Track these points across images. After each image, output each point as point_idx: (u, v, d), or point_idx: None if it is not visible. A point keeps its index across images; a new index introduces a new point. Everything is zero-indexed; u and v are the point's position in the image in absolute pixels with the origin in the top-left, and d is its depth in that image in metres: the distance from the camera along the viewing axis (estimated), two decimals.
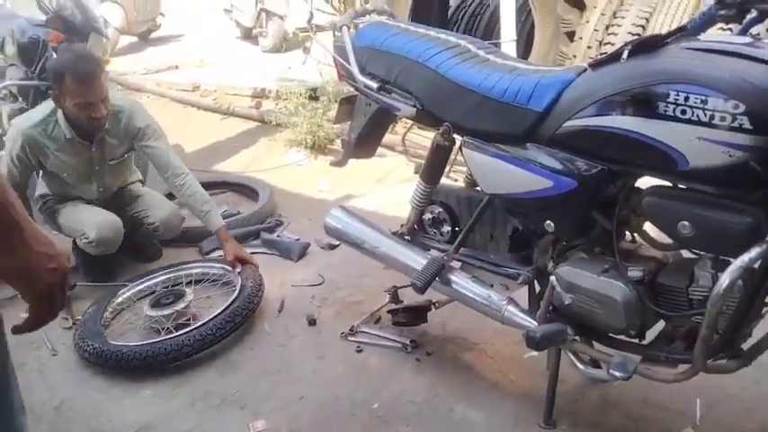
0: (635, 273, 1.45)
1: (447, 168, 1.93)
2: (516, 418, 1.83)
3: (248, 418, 1.93)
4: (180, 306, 2.36)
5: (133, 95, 5.72)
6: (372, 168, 3.46)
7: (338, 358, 2.16)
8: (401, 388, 1.99)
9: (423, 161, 1.94)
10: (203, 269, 2.68)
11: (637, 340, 1.54)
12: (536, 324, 1.64)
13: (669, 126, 1.27)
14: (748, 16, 1.38)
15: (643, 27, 3.86)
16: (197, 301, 2.49)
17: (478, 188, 1.82)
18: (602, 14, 3.98)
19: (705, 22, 1.43)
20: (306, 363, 2.16)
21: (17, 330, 0.98)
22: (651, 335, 1.55)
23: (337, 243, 2.28)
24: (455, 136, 1.79)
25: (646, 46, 1.37)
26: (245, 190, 3.65)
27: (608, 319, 1.50)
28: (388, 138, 2.52)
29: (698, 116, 1.23)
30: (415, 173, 2.01)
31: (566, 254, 1.63)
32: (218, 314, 2.26)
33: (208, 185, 3.54)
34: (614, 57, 1.41)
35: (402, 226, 2.09)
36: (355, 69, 1.93)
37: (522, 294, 1.79)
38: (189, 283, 2.59)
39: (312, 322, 2.36)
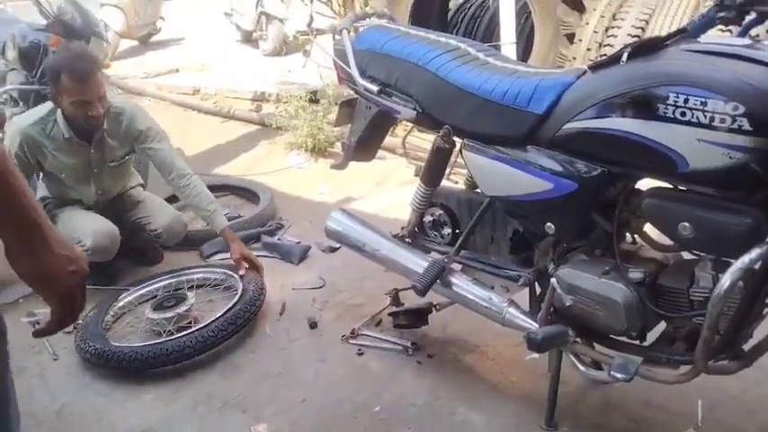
0: (636, 274, 1.45)
1: (447, 171, 1.93)
2: (518, 420, 1.83)
3: (250, 422, 1.93)
4: (181, 309, 2.37)
5: (134, 99, 5.73)
6: (373, 171, 3.47)
7: (339, 361, 2.16)
8: (402, 391, 1.99)
9: (423, 164, 1.94)
10: (205, 274, 2.69)
11: (638, 342, 1.54)
12: (537, 326, 1.64)
13: (669, 128, 1.27)
14: (747, 18, 1.38)
15: (642, 29, 3.86)
16: (198, 304, 2.49)
17: (479, 190, 1.82)
18: (602, 16, 3.98)
19: (705, 23, 1.43)
20: (307, 366, 2.16)
21: (38, 334, 1.00)
22: (652, 336, 1.56)
23: (338, 246, 2.29)
24: (455, 139, 1.79)
25: (645, 48, 1.37)
26: (246, 193, 3.65)
27: (609, 321, 1.50)
28: (388, 140, 2.52)
29: (698, 118, 1.23)
30: (416, 175, 2.01)
31: (566, 256, 1.63)
32: (220, 316, 2.26)
33: (209, 189, 3.55)
34: (614, 59, 1.41)
35: (403, 228, 2.10)
36: (355, 72, 1.93)
37: (522, 296, 1.79)
38: (190, 288, 2.59)
39: (313, 325, 2.36)
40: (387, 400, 1.96)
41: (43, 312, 2.54)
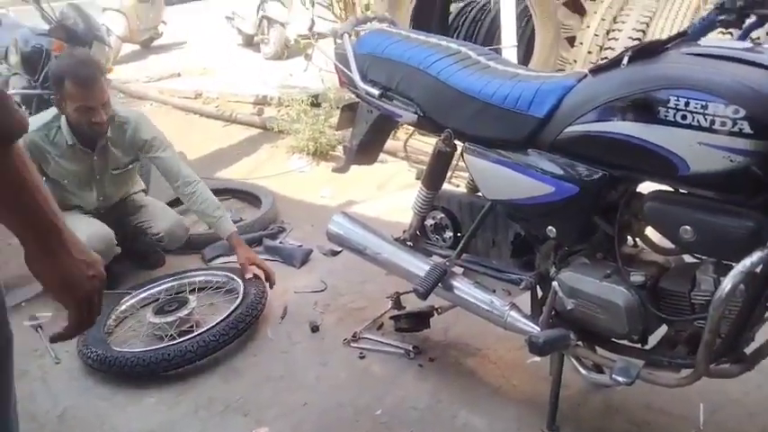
0: (637, 278, 1.45)
1: (449, 174, 1.93)
2: (519, 423, 1.83)
3: (251, 425, 1.93)
4: (183, 313, 2.37)
5: (136, 103, 5.76)
6: (374, 174, 3.47)
7: (341, 365, 2.16)
8: (404, 394, 1.99)
9: (424, 167, 1.94)
10: (206, 277, 2.69)
11: (639, 345, 1.54)
12: (539, 329, 1.64)
13: (670, 131, 1.27)
14: (748, 21, 1.38)
15: (643, 32, 3.86)
16: (200, 308, 2.49)
17: (480, 194, 1.82)
18: (603, 19, 3.98)
19: (705, 27, 1.43)
20: (309, 369, 2.16)
21: (56, 339, 1.01)
22: (654, 340, 1.55)
23: (339, 249, 2.29)
24: (456, 142, 1.80)
25: (646, 51, 1.37)
26: (248, 197, 3.66)
27: (610, 324, 1.49)
28: (389, 144, 2.53)
29: (698, 121, 1.23)
30: (417, 179, 2.01)
31: (568, 259, 1.63)
32: (222, 321, 2.27)
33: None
34: (615, 62, 1.41)
35: (404, 232, 2.10)
36: (357, 76, 1.94)
37: (524, 300, 1.79)
38: (192, 291, 2.60)
39: (315, 329, 2.36)
40: (388, 403, 1.96)
41: (45, 316, 2.55)
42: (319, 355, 2.23)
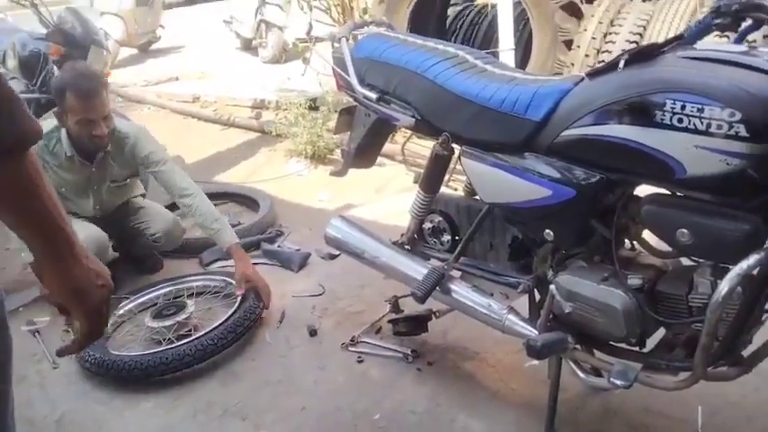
0: (634, 281, 1.45)
1: (446, 177, 1.93)
2: (518, 427, 1.83)
3: (249, 430, 1.93)
4: (181, 317, 2.37)
5: (134, 107, 5.76)
6: (372, 178, 3.47)
7: (339, 369, 2.16)
8: (402, 398, 1.99)
9: (422, 171, 1.95)
10: (205, 281, 2.69)
11: (637, 348, 1.54)
12: (536, 333, 1.64)
13: (666, 135, 1.28)
14: (743, 24, 1.39)
15: (640, 35, 3.88)
16: (198, 312, 2.49)
17: (478, 197, 1.82)
18: (600, 23, 4.00)
19: (701, 30, 1.43)
20: (307, 373, 2.16)
21: (63, 352, 1.01)
22: (652, 343, 1.55)
23: (338, 253, 2.28)
24: (454, 145, 1.80)
25: (642, 55, 1.38)
26: (246, 200, 3.66)
27: (608, 328, 1.50)
28: (387, 147, 2.53)
29: (695, 125, 1.23)
30: (415, 182, 2.02)
31: (565, 262, 1.63)
32: (220, 325, 2.26)
33: (208, 196, 3.53)
34: (611, 66, 1.42)
35: (402, 235, 2.10)
36: (354, 80, 1.94)
37: (522, 303, 1.79)
38: (190, 295, 2.59)
39: (313, 333, 2.36)
40: (387, 407, 1.96)
41: (43, 320, 2.54)
42: (317, 359, 2.22)
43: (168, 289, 2.65)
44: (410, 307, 2.17)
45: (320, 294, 2.63)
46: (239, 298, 2.43)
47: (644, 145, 1.31)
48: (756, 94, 1.19)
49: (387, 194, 3.53)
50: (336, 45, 2.05)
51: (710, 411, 1.79)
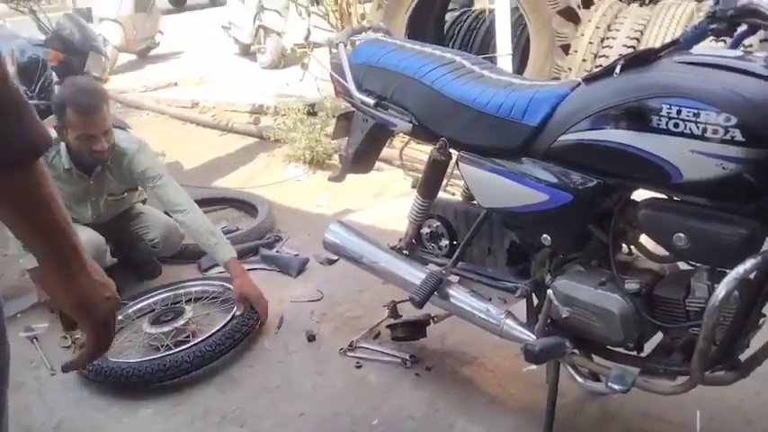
0: (632, 285, 1.45)
1: (444, 182, 1.93)
2: (516, 431, 1.83)
3: None
4: (179, 323, 2.37)
5: (132, 113, 5.77)
6: (370, 183, 3.48)
7: (337, 374, 2.16)
8: (401, 403, 1.99)
9: (420, 176, 1.95)
10: (203, 287, 2.68)
11: (635, 353, 1.54)
12: (534, 337, 1.64)
13: (662, 139, 1.28)
14: (739, 29, 1.39)
15: (637, 40, 3.89)
16: (196, 318, 2.48)
17: (475, 202, 1.83)
18: (597, 28, 4.01)
19: (697, 35, 1.44)
20: (305, 379, 2.16)
21: (69, 367, 1.00)
22: (650, 347, 1.56)
23: (336, 258, 2.28)
24: (451, 151, 1.80)
25: (638, 60, 1.38)
26: (244, 206, 3.66)
27: (606, 332, 1.50)
28: (385, 152, 2.53)
29: (691, 129, 1.24)
30: (413, 187, 2.02)
31: (563, 267, 1.63)
32: (218, 330, 2.26)
33: (207, 201, 3.57)
34: (607, 71, 1.42)
35: (400, 240, 2.10)
36: (352, 86, 1.94)
37: (520, 308, 1.79)
38: (188, 301, 2.59)
39: (311, 338, 2.36)
40: (385, 412, 1.95)
41: (41, 327, 2.54)
42: (316, 365, 2.22)
43: (166, 294, 2.65)
44: (408, 312, 2.17)
45: (318, 300, 2.63)
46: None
47: (640, 150, 1.32)
48: (752, 98, 1.20)
49: (385, 199, 3.53)
50: (334, 51, 2.05)
51: (709, 415, 1.79)
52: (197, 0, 13.64)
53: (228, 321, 2.32)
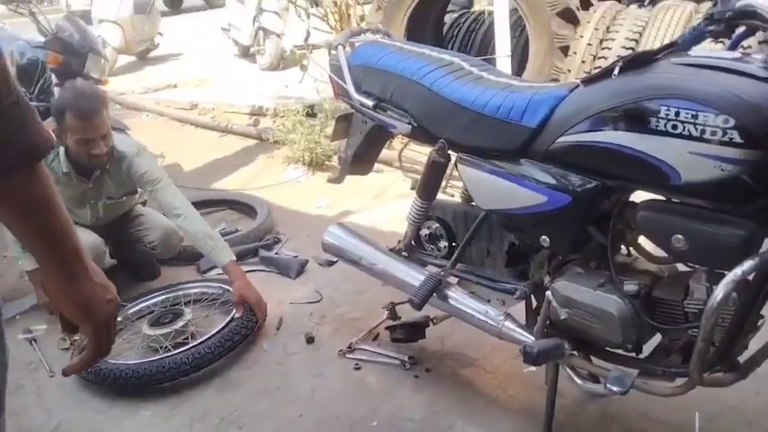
0: (630, 287, 1.45)
1: (443, 184, 1.94)
2: None
3: None
4: (178, 325, 2.37)
5: (132, 114, 5.77)
6: (370, 184, 3.47)
7: (337, 376, 2.16)
8: (400, 405, 1.98)
9: (419, 177, 1.95)
10: (202, 288, 2.68)
11: (634, 354, 1.54)
12: (533, 339, 1.64)
13: (661, 141, 1.28)
14: (737, 31, 1.39)
15: (636, 41, 3.89)
16: (195, 320, 2.48)
17: (474, 204, 1.83)
18: (596, 29, 4.01)
19: (695, 37, 1.44)
20: (304, 381, 2.15)
21: (69, 371, 1.00)
22: (648, 349, 1.55)
23: (335, 260, 2.28)
24: (450, 152, 1.80)
25: (637, 62, 1.39)
26: (244, 207, 3.66)
27: (604, 334, 1.50)
28: (385, 153, 2.53)
29: (689, 131, 1.24)
30: (412, 188, 2.02)
31: (562, 268, 1.63)
32: (217, 332, 2.26)
33: (206, 203, 3.57)
34: (606, 73, 1.43)
35: (399, 242, 2.10)
36: (351, 88, 1.94)
37: (519, 309, 1.79)
38: (187, 303, 2.59)
39: (310, 340, 2.36)
40: (384, 414, 1.95)
41: (40, 329, 2.54)
42: (315, 367, 2.22)
43: (165, 296, 2.65)
44: (407, 313, 2.17)
45: (318, 301, 2.63)
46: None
47: (639, 151, 1.32)
48: (750, 100, 1.20)
49: (385, 201, 3.53)
50: (333, 52, 2.06)
51: (709, 416, 1.79)
52: (193, 2, 13.64)
53: (228, 323, 2.32)
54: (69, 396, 2.19)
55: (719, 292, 1.24)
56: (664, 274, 1.52)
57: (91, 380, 2.17)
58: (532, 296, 1.75)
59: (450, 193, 2.04)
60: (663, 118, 1.27)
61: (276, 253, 3.08)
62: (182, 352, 2.18)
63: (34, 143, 0.78)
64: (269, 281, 2.81)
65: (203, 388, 2.16)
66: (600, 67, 3.67)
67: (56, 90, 3.79)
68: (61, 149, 2.56)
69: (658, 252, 1.50)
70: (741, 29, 1.37)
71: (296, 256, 3.00)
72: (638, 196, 1.47)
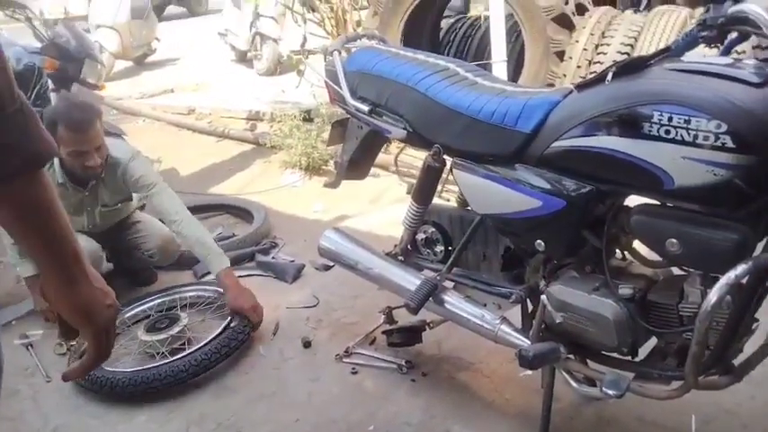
0: (625, 290, 1.46)
1: (439, 188, 1.94)
2: None
3: None
4: (175, 330, 2.36)
5: (128, 119, 5.77)
6: (366, 189, 3.48)
7: (333, 380, 2.16)
8: (397, 409, 1.99)
9: (415, 181, 1.96)
10: (197, 292, 2.68)
11: (629, 357, 1.55)
12: (529, 343, 1.65)
13: (654, 146, 1.29)
14: (729, 37, 1.41)
15: (631, 46, 3.91)
16: (192, 324, 2.48)
17: (470, 208, 1.84)
18: (592, 34, 4.03)
19: (688, 43, 1.45)
20: (301, 385, 2.16)
21: (69, 376, 0.99)
22: (644, 352, 1.56)
23: (332, 264, 2.29)
24: (445, 157, 1.81)
25: (630, 67, 1.40)
26: (240, 212, 3.66)
27: (600, 337, 1.50)
28: (381, 158, 2.54)
29: (682, 136, 1.25)
30: (408, 193, 2.02)
31: (557, 272, 1.64)
32: (214, 338, 2.26)
33: (203, 208, 3.57)
34: (599, 78, 1.43)
35: (395, 246, 2.10)
36: (346, 93, 1.95)
37: (515, 313, 1.80)
38: (183, 307, 2.58)
39: (307, 344, 2.36)
40: (381, 419, 1.95)
41: (36, 334, 2.53)
42: (311, 371, 2.22)
43: (161, 300, 2.65)
44: (404, 318, 2.17)
45: (314, 306, 2.63)
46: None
47: (632, 156, 1.33)
48: (742, 105, 1.21)
49: (381, 205, 3.53)
50: (329, 58, 2.06)
51: (705, 419, 1.80)
52: (174, 11, 13.62)
53: (224, 329, 2.32)
54: (65, 401, 2.19)
55: (714, 295, 1.24)
56: (658, 277, 1.53)
57: (88, 387, 2.17)
58: (528, 300, 1.76)
59: (445, 198, 2.04)
60: (656, 123, 1.28)
61: (273, 257, 3.08)
62: (179, 359, 2.18)
63: (37, 150, 0.78)
64: (266, 285, 2.81)
65: (199, 393, 2.16)
66: (595, 72, 3.68)
67: (52, 96, 3.79)
68: (56, 160, 2.55)
69: (653, 256, 1.51)
70: (733, 35, 1.38)
71: (292, 261, 3.00)
72: (633, 201, 1.48)
